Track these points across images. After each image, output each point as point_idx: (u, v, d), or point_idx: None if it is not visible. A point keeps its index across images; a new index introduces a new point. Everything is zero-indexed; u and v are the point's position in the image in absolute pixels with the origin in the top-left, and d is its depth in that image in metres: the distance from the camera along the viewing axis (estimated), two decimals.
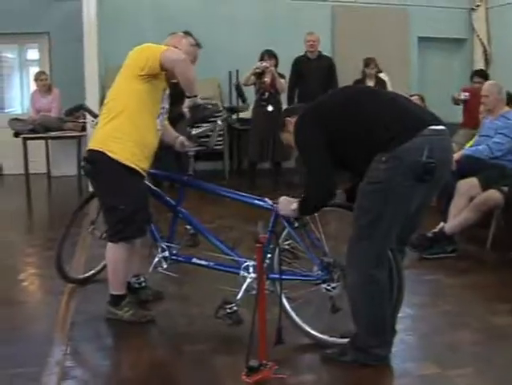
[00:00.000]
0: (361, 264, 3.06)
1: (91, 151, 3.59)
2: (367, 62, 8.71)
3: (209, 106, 3.70)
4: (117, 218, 3.57)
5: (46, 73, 8.98)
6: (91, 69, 8.01)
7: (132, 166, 3.54)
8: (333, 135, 3.06)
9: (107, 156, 3.50)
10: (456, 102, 8.01)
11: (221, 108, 3.71)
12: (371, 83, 8.61)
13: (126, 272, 3.74)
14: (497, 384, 3.00)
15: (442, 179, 3.12)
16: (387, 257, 3.10)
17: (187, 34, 3.87)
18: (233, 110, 3.78)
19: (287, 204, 3.32)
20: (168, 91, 3.75)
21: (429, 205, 3.31)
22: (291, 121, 3.30)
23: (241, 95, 3.67)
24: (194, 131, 3.88)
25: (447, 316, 3.85)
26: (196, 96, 3.58)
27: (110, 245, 3.66)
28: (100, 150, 3.52)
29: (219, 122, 3.76)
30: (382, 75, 8.88)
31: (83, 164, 3.56)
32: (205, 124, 3.91)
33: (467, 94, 7.69)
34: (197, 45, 3.85)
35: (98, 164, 3.56)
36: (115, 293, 3.71)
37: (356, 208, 3.07)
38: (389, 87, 8.64)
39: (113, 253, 3.65)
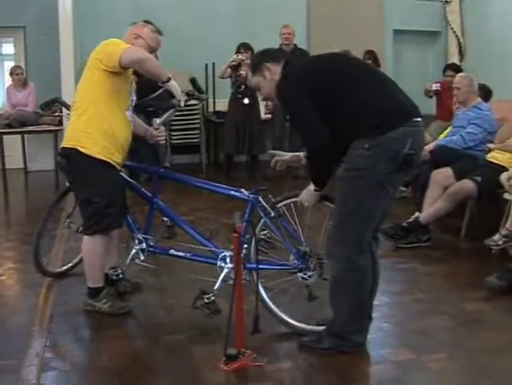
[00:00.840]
0: (344, 251, 3.09)
1: (64, 148, 3.64)
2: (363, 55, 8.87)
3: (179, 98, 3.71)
4: (92, 211, 3.60)
5: (22, 67, 8.90)
6: (67, 63, 7.95)
7: (105, 159, 3.58)
8: (319, 110, 3.04)
9: (80, 152, 3.55)
10: (428, 94, 8.10)
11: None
12: None
13: (102, 264, 3.76)
14: (469, 368, 3.07)
15: (415, 168, 3.19)
16: (369, 244, 3.16)
17: (147, 22, 3.88)
18: (188, 94, 3.75)
19: (307, 192, 3.29)
20: (134, 84, 3.81)
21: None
22: (270, 68, 3.24)
23: (197, 89, 3.67)
24: (158, 121, 3.90)
25: (421, 303, 3.92)
26: (169, 79, 3.60)
27: (86, 238, 3.69)
28: (72, 147, 3.58)
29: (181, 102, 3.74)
30: None
31: (58, 159, 3.59)
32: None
33: (438, 84, 7.78)
34: (158, 32, 3.84)
35: (71, 159, 3.61)
36: (93, 286, 3.73)
37: (337, 196, 3.10)
38: None
39: (89, 245, 3.68)
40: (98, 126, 3.57)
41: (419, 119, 3.08)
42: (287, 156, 3.60)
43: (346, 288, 3.14)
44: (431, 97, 8.15)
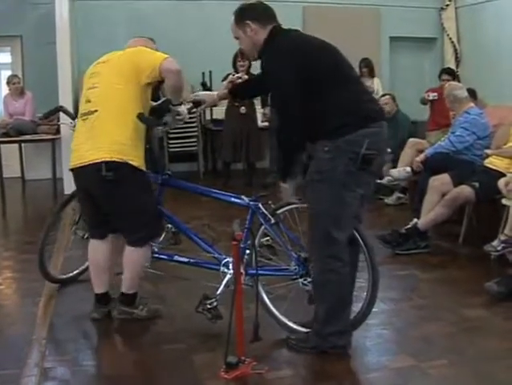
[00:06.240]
0: (317, 253, 3.18)
1: (113, 162, 3.43)
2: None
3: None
4: (146, 220, 3.61)
5: (19, 76, 8.90)
6: (64, 72, 7.97)
7: (144, 170, 3.60)
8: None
9: (130, 165, 3.48)
10: (424, 102, 8.14)
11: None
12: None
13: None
14: (469, 375, 3.06)
15: (380, 167, 3.29)
16: (344, 245, 3.16)
17: (150, 40, 3.92)
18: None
19: (285, 187, 3.30)
20: None
21: (371, 197, 3.43)
22: (251, 26, 3.24)
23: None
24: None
25: (421, 310, 3.92)
26: (180, 104, 3.63)
27: (132, 249, 3.63)
28: (123, 161, 3.45)
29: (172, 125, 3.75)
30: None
31: (104, 172, 3.40)
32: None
33: (435, 94, 7.82)
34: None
35: (121, 173, 3.46)
36: (131, 292, 3.72)
37: (308, 200, 3.20)
38: (380, 91, 8.81)
39: (137, 256, 3.65)
40: (140, 138, 3.57)
41: (380, 122, 3.15)
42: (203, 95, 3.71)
43: (322, 289, 3.20)
44: (426, 104, 8.18)
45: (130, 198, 3.55)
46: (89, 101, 3.57)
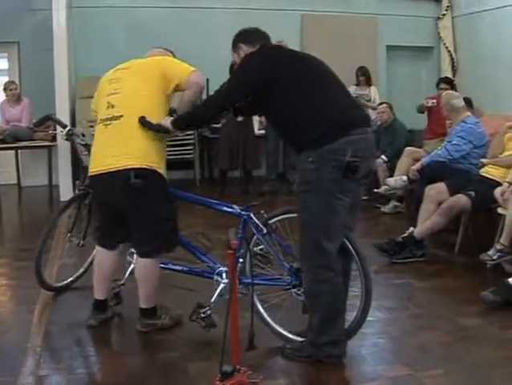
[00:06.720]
0: (307, 263, 3.19)
1: (141, 169, 3.39)
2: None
3: None
4: (168, 228, 3.59)
5: (16, 83, 8.90)
6: (62, 79, 7.96)
7: (166, 177, 3.58)
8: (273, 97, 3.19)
9: (157, 172, 3.48)
10: (421, 110, 8.16)
11: None
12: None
13: None
14: (465, 384, 3.06)
15: (368, 174, 3.25)
16: (335, 255, 3.16)
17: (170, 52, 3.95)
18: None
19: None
20: None
21: (360, 205, 3.38)
22: (243, 48, 3.40)
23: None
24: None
25: (417, 319, 3.91)
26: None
27: (144, 262, 3.59)
28: (151, 168, 3.43)
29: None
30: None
31: (133, 180, 3.34)
32: None
33: (434, 101, 7.82)
34: None
35: (150, 180, 3.42)
36: (151, 306, 3.68)
37: (298, 210, 3.21)
38: (377, 100, 8.84)
39: (152, 270, 3.59)
40: (164, 147, 3.58)
41: (364, 128, 3.16)
42: None
43: (315, 299, 3.21)
44: (423, 112, 8.18)
45: (155, 207, 3.50)
46: (112, 106, 3.51)
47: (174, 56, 3.89)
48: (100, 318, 3.75)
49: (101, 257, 3.74)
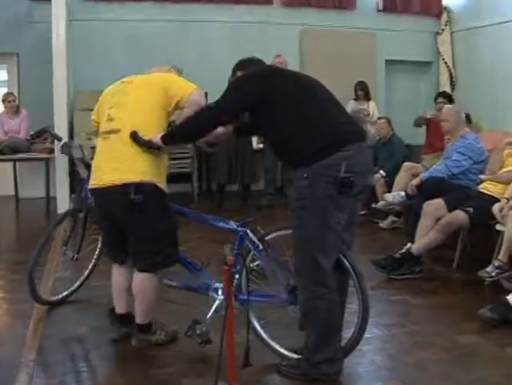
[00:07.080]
0: (303, 280, 3.17)
1: (142, 184, 3.38)
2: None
3: None
4: (169, 242, 3.58)
5: (15, 94, 8.91)
6: (60, 92, 7.95)
7: (166, 192, 3.57)
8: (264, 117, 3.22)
9: (158, 187, 3.47)
10: (418, 124, 8.15)
11: None
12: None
13: None
14: None
15: (364, 190, 3.22)
16: (330, 272, 3.13)
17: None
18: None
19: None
20: None
21: (358, 221, 3.38)
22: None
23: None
24: None
25: (414, 336, 3.88)
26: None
27: (142, 276, 3.55)
28: (152, 183, 3.43)
29: None
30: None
31: (132, 195, 3.32)
32: None
33: (433, 112, 7.81)
34: None
35: (150, 195, 3.41)
36: (146, 322, 3.65)
37: (293, 226, 3.19)
38: (376, 115, 8.85)
39: (150, 285, 3.56)
40: (163, 163, 3.57)
41: (358, 142, 3.14)
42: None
43: (311, 316, 3.18)
44: (419, 126, 8.18)
45: (155, 222, 3.48)
46: (111, 119, 3.50)
47: (180, 74, 3.88)
48: (124, 331, 3.73)
49: (114, 272, 3.74)
